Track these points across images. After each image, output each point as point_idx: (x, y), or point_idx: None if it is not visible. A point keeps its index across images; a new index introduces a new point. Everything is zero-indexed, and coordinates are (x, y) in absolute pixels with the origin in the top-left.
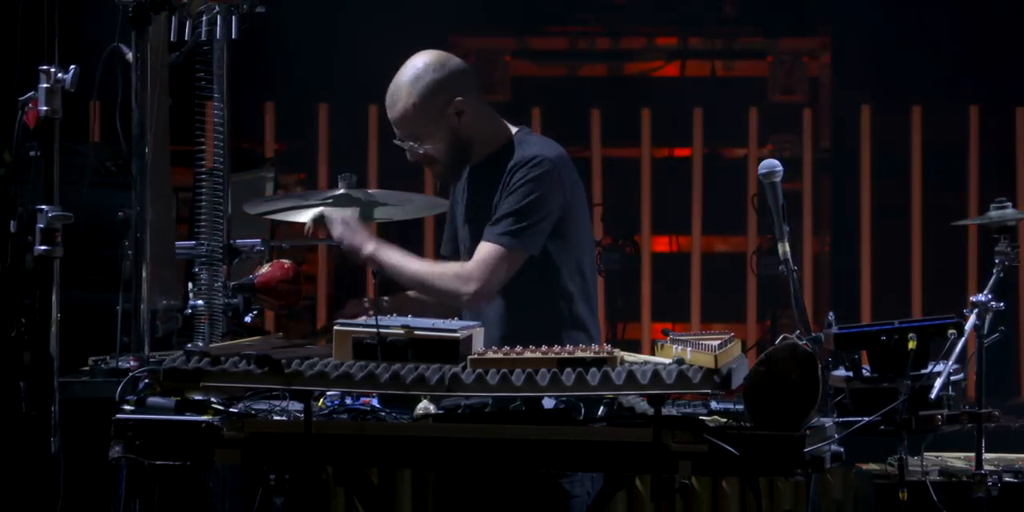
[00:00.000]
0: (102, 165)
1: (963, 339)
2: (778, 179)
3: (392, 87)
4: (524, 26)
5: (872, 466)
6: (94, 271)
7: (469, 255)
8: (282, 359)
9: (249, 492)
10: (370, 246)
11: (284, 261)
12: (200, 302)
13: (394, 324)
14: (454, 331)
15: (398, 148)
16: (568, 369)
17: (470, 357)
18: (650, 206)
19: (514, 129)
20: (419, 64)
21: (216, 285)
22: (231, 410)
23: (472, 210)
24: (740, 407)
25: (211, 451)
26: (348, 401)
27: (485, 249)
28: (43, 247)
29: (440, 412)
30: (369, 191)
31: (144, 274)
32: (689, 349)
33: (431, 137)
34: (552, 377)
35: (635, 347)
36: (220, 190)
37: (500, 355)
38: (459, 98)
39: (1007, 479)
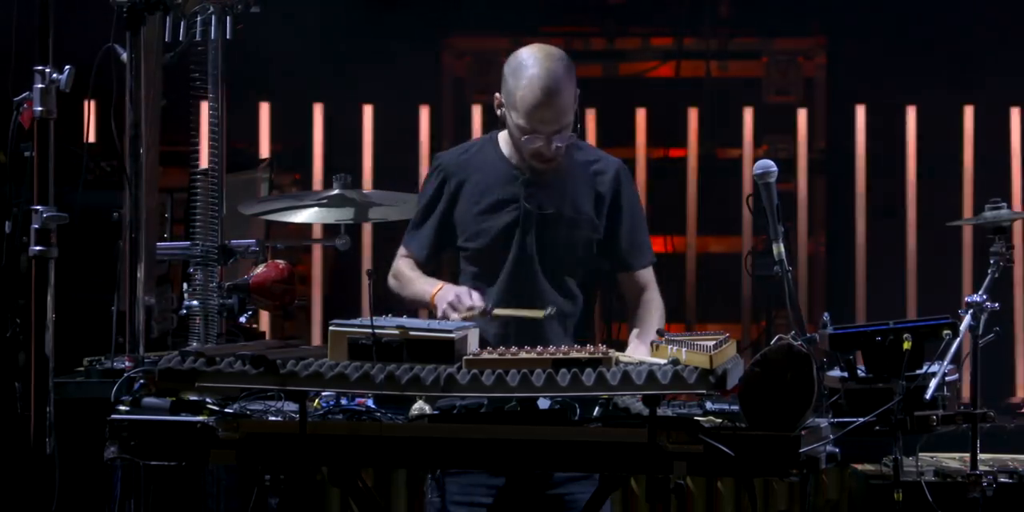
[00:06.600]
0: (97, 165)
1: (958, 340)
2: (773, 179)
3: (546, 79)
4: (519, 27)
5: (867, 466)
6: (89, 272)
7: (522, 261)
8: (277, 360)
9: (244, 492)
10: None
11: (279, 261)
12: (195, 302)
13: (389, 325)
14: (449, 332)
15: (538, 147)
16: (563, 370)
17: (465, 358)
18: (646, 206)
19: None
20: (558, 54)
21: (211, 285)
22: (226, 411)
23: (553, 209)
24: (735, 408)
25: (206, 451)
26: (343, 401)
27: (649, 276)
28: (38, 247)
29: (435, 413)
30: (363, 191)
31: (140, 274)
32: (684, 349)
33: (569, 127)
34: (547, 378)
35: None
36: (215, 190)
37: (495, 356)
38: (578, 90)
39: (1002, 479)
